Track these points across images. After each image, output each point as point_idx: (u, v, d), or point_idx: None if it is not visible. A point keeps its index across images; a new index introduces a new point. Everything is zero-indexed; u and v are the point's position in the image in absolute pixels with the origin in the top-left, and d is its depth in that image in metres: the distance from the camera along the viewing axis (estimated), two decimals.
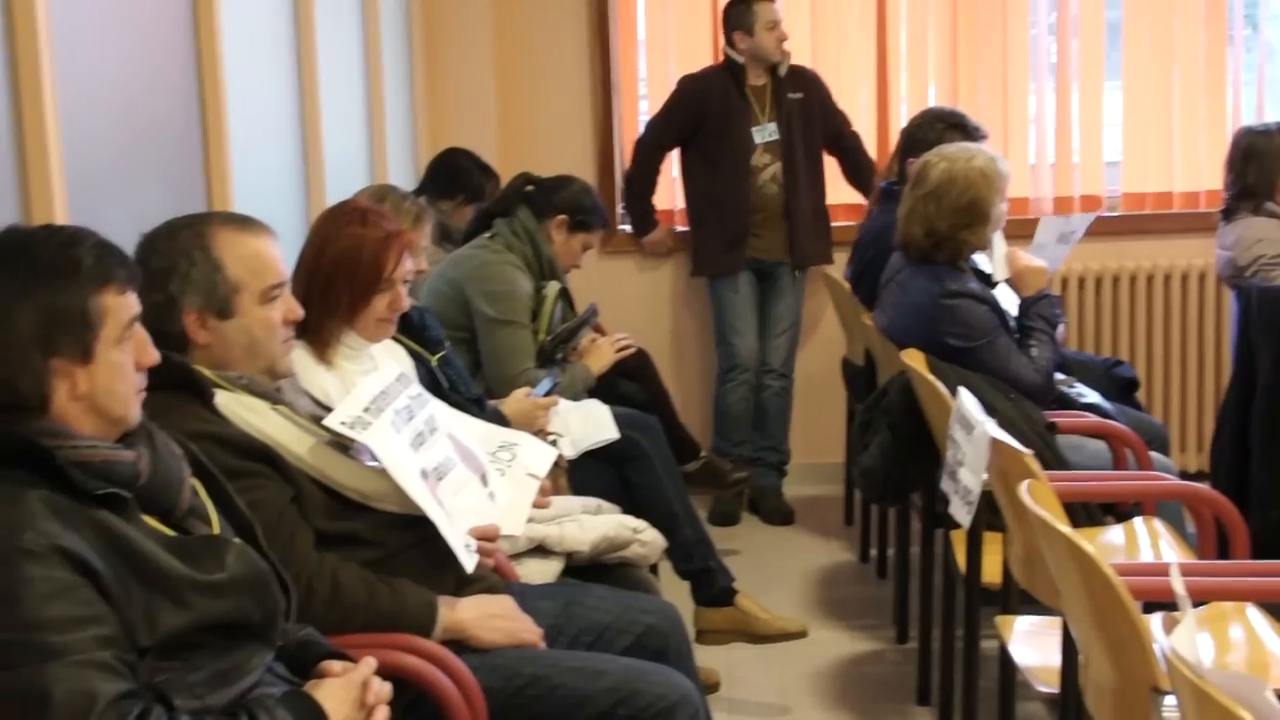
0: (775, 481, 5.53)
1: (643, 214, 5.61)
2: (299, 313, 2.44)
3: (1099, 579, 1.97)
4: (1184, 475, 5.36)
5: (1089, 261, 5.62)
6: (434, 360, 3.45)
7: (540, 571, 2.96)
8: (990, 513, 3.00)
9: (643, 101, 5.81)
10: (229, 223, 2.38)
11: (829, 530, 5.30)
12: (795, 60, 5.43)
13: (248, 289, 2.33)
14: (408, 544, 2.41)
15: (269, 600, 1.95)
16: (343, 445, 2.40)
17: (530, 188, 4.27)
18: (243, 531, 2.03)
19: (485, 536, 2.54)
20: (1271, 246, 4.51)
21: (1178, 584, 1.68)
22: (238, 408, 2.32)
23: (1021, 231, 5.27)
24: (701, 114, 5.38)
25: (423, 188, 4.89)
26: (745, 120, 5.35)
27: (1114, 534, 3.48)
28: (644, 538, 3.16)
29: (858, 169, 5.51)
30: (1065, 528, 2.10)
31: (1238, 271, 4.61)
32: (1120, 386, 4.53)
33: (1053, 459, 3.52)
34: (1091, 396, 4.03)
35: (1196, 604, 2.79)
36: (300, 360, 2.68)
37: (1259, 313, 4.22)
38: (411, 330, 3.41)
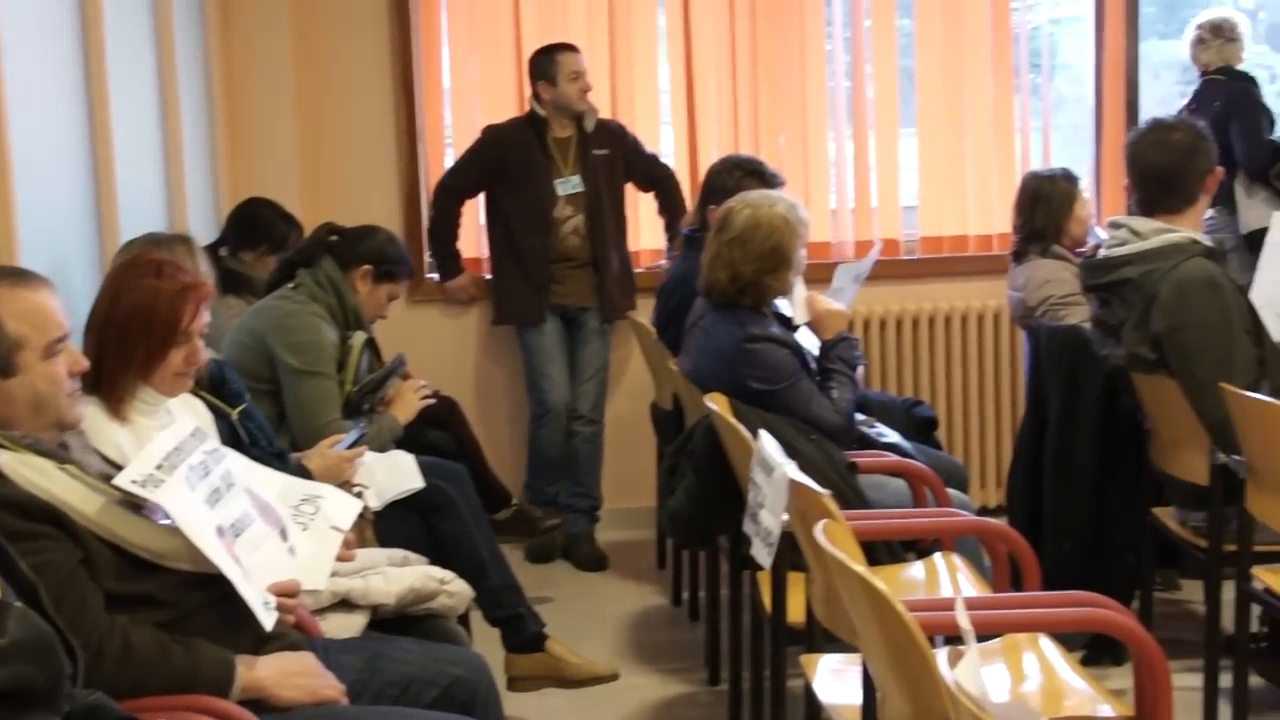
0: (587, 528, 5.54)
1: (446, 259, 5.61)
2: (84, 364, 2.39)
3: (891, 615, 2.01)
4: (983, 510, 5.54)
5: (888, 304, 5.76)
6: (234, 414, 3.38)
7: (344, 626, 2.92)
8: (795, 553, 3.04)
9: (449, 149, 5.80)
10: (3, 279, 2.32)
11: (641, 574, 5.32)
12: (601, 110, 5.49)
13: (29, 345, 2.27)
14: (203, 603, 2.35)
15: (54, 666, 1.89)
16: (135, 504, 2.35)
17: (334, 237, 4.23)
18: (26, 595, 1.96)
19: (285, 592, 2.49)
20: (1059, 287, 4.67)
21: (962, 618, 1.73)
22: (21, 468, 2.25)
23: (823, 275, 5.38)
24: (502, 164, 5.40)
25: (224, 238, 4.81)
26: (547, 172, 5.38)
27: (915, 570, 3.55)
28: (451, 588, 3.14)
29: (670, 203, 5.56)
30: (859, 566, 2.14)
31: (1028, 312, 4.76)
32: (920, 425, 4.65)
33: (854, 498, 3.61)
34: (892, 436, 4.13)
35: (991, 637, 2.88)
36: (93, 417, 2.62)
37: (1048, 351, 4.36)
38: (211, 384, 3.35)
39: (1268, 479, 3.40)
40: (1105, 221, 4.21)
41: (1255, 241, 4.99)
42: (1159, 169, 3.88)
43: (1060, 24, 6.26)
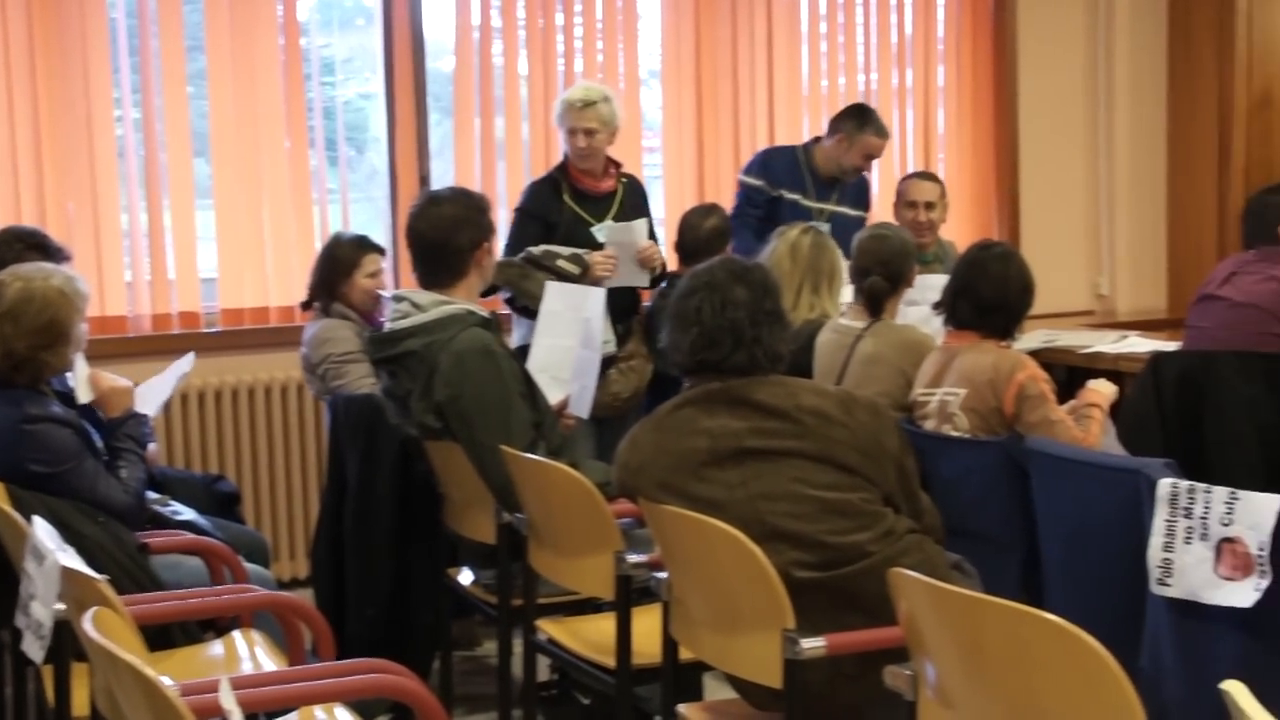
0: None
1: None
2: None
3: (162, 703, 1.95)
4: (293, 582, 5.54)
5: (189, 378, 5.60)
6: None
7: None
8: (79, 643, 2.90)
9: None
10: None
11: None
12: None
13: None
14: None
15: None
16: None
17: None
18: None
19: None
20: (339, 345, 4.79)
21: (226, 699, 1.71)
22: None
23: (118, 350, 5.22)
24: None
25: None
26: None
27: (214, 649, 3.49)
28: None
29: None
30: (127, 654, 2.06)
31: (312, 368, 4.86)
32: (221, 501, 4.59)
33: (146, 580, 3.51)
34: (188, 514, 4.05)
35: (285, 711, 2.87)
36: None
37: (345, 420, 4.44)
38: None
39: (546, 535, 3.62)
40: (390, 294, 4.31)
41: None
42: (427, 242, 4.01)
43: (370, 99, 6.41)
